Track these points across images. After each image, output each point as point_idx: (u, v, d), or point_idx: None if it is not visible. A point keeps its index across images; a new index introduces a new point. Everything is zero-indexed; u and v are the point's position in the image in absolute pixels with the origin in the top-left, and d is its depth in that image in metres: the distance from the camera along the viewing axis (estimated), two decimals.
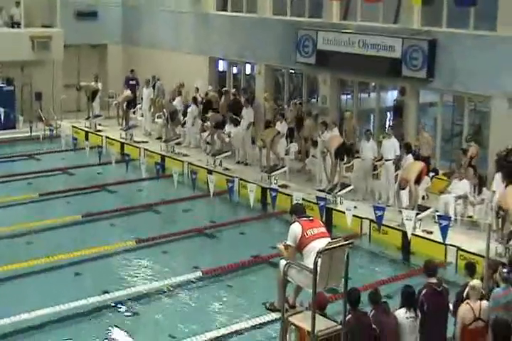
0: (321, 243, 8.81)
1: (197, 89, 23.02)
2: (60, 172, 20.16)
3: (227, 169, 19.12)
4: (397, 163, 16.49)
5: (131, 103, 23.80)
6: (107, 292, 12.35)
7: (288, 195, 16.60)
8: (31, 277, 13.15)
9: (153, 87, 24.46)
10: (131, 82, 25.22)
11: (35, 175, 19.51)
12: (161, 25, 26.40)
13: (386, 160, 16.76)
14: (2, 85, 24.24)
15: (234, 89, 23.05)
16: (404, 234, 14.51)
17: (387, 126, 19.59)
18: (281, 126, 19.29)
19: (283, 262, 8.96)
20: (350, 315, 8.62)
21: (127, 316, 11.80)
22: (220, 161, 19.44)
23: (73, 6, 26.65)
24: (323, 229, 9.20)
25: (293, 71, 22.53)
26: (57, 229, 15.67)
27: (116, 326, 11.37)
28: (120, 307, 12.02)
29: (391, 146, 16.74)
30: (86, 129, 23.84)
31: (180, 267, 13.72)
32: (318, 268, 8.37)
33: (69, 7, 26.41)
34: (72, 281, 13.10)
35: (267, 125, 20.21)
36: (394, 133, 17.24)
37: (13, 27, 25.60)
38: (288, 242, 8.99)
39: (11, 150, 22.40)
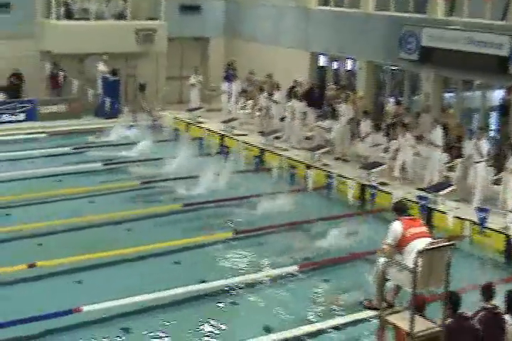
0: (422, 242, 8.76)
1: (298, 84, 23.05)
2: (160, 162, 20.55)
3: (326, 165, 19.12)
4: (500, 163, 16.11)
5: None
6: (204, 281, 12.56)
7: (387, 192, 16.51)
8: (132, 263, 13.51)
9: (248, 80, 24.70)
10: (229, 75, 25.49)
11: (137, 164, 19.96)
12: (263, 19, 26.57)
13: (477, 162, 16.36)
14: (108, 75, 24.94)
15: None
16: (508, 237, 14.17)
17: (491, 125, 19.13)
18: (365, 124, 19.18)
19: (382, 260, 8.93)
20: (451, 319, 8.48)
21: (224, 306, 11.96)
22: (319, 156, 19.45)
23: None
24: (425, 229, 9.15)
25: (395, 67, 22.29)
26: (157, 217, 15.99)
27: None
28: (217, 297, 12.19)
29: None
30: (187, 121, 24.27)
31: (276, 260, 13.77)
32: (419, 268, 8.31)
33: (173, 0, 26.88)
34: (171, 269, 13.35)
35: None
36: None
37: (119, 19, 26.28)
38: (388, 240, 8.98)
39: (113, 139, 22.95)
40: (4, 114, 23.68)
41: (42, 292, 12.22)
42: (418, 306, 8.53)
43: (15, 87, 24.49)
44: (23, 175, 18.83)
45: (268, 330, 11.07)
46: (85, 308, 11.21)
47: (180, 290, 12.09)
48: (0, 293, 12.11)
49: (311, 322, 11.23)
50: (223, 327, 11.29)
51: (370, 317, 10.51)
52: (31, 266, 12.80)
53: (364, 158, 18.71)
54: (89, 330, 11.01)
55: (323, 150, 19.59)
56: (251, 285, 12.69)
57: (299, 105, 21.31)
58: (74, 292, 12.26)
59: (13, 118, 23.82)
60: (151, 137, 22.01)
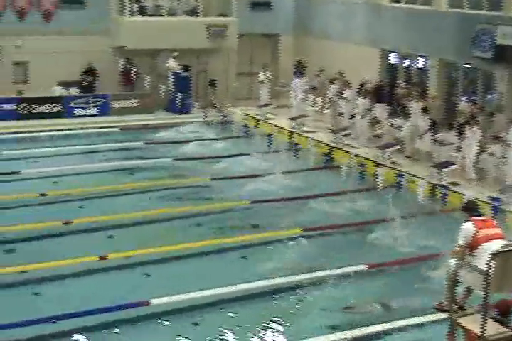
0: (496, 244, 8.60)
1: (366, 82, 22.89)
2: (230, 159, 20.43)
3: (395, 163, 18.89)
4: None
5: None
6: (270, 277, 12.51)
7: (458, 193, 16.25)
8: (199, 257, 13.64)
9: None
10: (298, 72, 25.48)
11: (207, 160, 20.06)
12: (333, 16, 26.48)
13: None
14: (179, 71, 25.17)
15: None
16: None
17: None
18: (423, 121, 18.87)
19: (453, 262, 8.80)
20: None
21: (290, 303, 11.92)
22: (389, 155, 19.25)
23: None
24: (498, 230, 8.97)
25: (468, 66, 21.90)
26: (225, 213, 16.12)
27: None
28: (283, 294, 12.17)
29: None
30: (256, 117, 24.34)
31: (344, 258, 13.61)
32: (492, 271, 8.16)
33: None
34: (238, 264, 13.40)
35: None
36: None
37: (191, 15, 26.48)
38: (459, 241, 8.85)
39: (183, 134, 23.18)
40: (78, 108, 24.19)
41: (111, 284, 12.42)
42: (503, 310, 8.37)
43: (88, 82, 24.98)
44: (95, 168, 19.25)
45: (334, 329, 11.00)
46: (154, 301, 11.35)
47: (246, 286, 12.13)
48: (71, 284, 12.37)
49: (379, 323, 11.07)
50: (289, 324, 11.26)
51: (441, 320, 10.32)
52: (102, 258, 13.05)
53: (426, 154, 18.39)
54: (157, 323, 11.12)
55: (393, 148, 19.37)
56: (317, 283, 12.58)
57: (363, 102, 21.16)
58: (143, 285, 12.42)
59: (87, 112, 24.32)
60: (221, 133, 22.15)
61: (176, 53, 25.16)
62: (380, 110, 21.20)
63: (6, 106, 23.42)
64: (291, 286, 12.43)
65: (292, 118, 23.04)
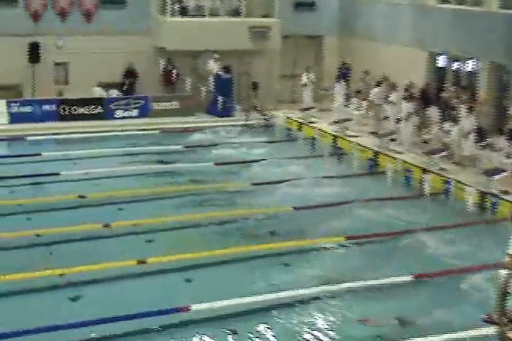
0: None
1: (411, 85, 22.39)
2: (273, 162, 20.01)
3: (443, 169, 18.37)
4: None
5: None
6: (313, 285, 12.22)
7: (510, 201, 15.75)
8: (241, 263, 13.45)
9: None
10: (342, 74, 25.14)
11: (248, 164, 19.75)
12: (379, 17, 26.15)
13: None
14: (221, 73, 24.92)
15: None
16: None
17: None
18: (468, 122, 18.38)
19: (503, 272, 8.57)
20: None
21: (332, 312, 11.58)
22: (437, 161, 18.68)
23: None
24: None
25: None
26: (267, 219, 15.77)
27: None
28: (325, 302, 11.85)
29: None
30: (300, 120, 23.97)
31: (389, 268, 13.16)
32: None
33: None
34: (280, 271, 13.07)
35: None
36: None
37: (233, 16, 26.22)
38: (509, 251, 8.67)
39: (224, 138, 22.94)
40: (118, 109, 24.10)
41: (150, 289, 12.25)
42: None
43: (128, 85, 24.87)
44: (134, 171, 19.13)
45: (380, 338, 10.72)
46: (194, 307, 11.17)
47: (287, 293, 11.90)
48: (109, 288, 12.26)
49: (425, 335, 10.65)
50: (331, 333, 10.95)
51: (490, 333, 9.89)
52: (141, 262, 12.85)
53: (471, 159, 17.84)
54: (196, 329, 10.92)
55: (441, 154, 18.84)
56: (361, 292, 12.21)
57: (407, 106, 20.79)
58: (183, 290, 12.27)
59: (127, 114, 24.21)
60: (263, 137, 21.88)
61: (216, 55, 24.93)
62: (432, 113, 20.67)
63: (46, 107, 23.43)
64: (332, 295, 12.06)
65: (335, 122, 22.67)
